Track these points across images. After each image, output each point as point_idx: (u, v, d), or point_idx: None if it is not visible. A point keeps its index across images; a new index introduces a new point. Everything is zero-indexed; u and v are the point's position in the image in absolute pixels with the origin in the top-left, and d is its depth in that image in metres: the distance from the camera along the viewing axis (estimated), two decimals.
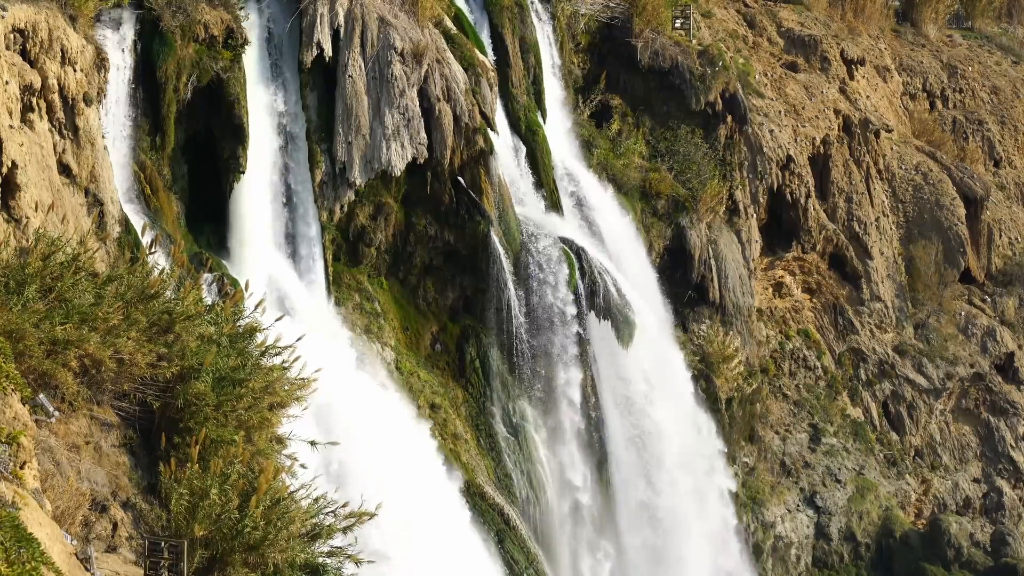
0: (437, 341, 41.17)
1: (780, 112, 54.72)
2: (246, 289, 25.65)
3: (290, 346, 21.80)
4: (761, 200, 53.32)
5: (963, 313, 59.40)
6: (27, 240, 24.40)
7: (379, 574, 21.15)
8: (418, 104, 38.88)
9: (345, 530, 19.58)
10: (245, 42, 36.17)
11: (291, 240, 37.71)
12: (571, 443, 42.51)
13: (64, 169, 29.82)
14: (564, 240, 42.37)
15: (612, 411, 43.54)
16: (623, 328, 42.85)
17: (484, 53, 42.88)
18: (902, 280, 58.40)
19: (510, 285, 40.60)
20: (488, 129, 40.58)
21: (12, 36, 28.54)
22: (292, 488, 19.33)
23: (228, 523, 17.88)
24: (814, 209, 55.04)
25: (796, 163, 54.12)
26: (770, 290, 55.00)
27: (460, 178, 40.25)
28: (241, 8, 36.58)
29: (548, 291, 41.26)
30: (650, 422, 44.33)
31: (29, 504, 14.98)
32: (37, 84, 28.86)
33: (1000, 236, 62.76)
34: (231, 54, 35.74)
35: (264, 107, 37.14)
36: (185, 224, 35.46)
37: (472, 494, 38.16)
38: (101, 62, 32.17)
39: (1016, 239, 63.41)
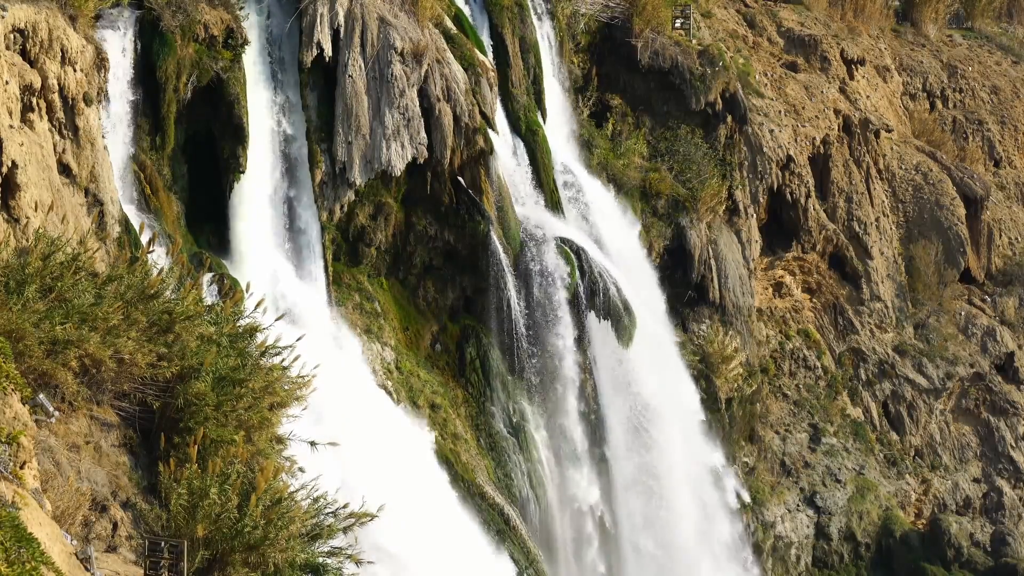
0: (437, 341, 41.17)
1: (780, 112, 54.72)
2: (246, 289, 25.65)
3: (290, 346, 21.81)
4: (761, 200, 53.31)
5: (963, 313, 59.40)
6: (27, 240, 24.41)
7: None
8: (418, 104, 38.88)
9: (345, 530, 19.60)
10: (245, 42, 36.16)
11: (291, 240, 37.72)
12: (571, 442, 42.51)
13: (64, 169, 29.81)
14: (564, 240, 42.36)
15: (612, 411, 43.53)
16: (623, 328, 42.85)
17: (484, 53, 42.87)
18: (902, 280, 58.40)
19: (510, 285, 40.60)
20: (488, 129, 40.58)
21: (12, 36, 28.54)
22: (292, 488, 19.34)
23: (228, 523, 17.89)
24: (814, 209, 55.04)
25: (796, 163, 54.12)
26: (770, 290, 55.00)
27: (460, 178, 40.26)
28: (241, 8, 36.58)
29: (548, 291, 41.26)
30: (650, 422, 44.31)
31: (29, 504, 14.98)
32: (37, 84, 28.85)
33: (1000, 236, 62.76)
34: (231, 54, 35.74)
35: (264, 107, 37.14)
36: (185, 224, 35.46)
37: (472, 494, 38.17)
38: (101, 62, 32.15)
39: (1016, 239, 63.41)
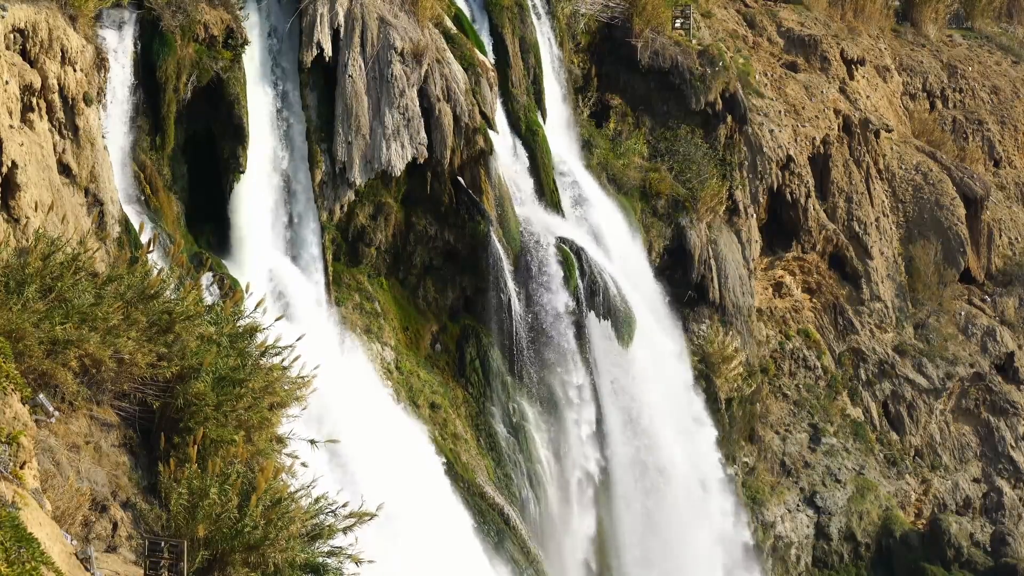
0: (437, 341, 41.17)
1: (780, 112, 54.72)
2: (246, 289, 25.64)
3: (290, 346, 21.80)
4: (761, 200, 53.31)
5: (963, 313, 59.40)
6: (27, 240, 24.41)
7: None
8: (418, 104, 38.88)
9: (345, 530, 19.59)
10: (245, 42, 36.17)
11: (291, 240, 37.71)
12: (571, 443, 42.50)
13: (64, 169, 29.82)
14: (564, 240, 42.36)
15: (612, 411, 43.53)
16: (623, 328, 42.85)
17: (484, 53, 42.87)
18: (902, 280, 58.40)
19: (510, 285, 40.60)
20: (488, 129, 40.58)
21: (12, 36, 28.54)
22: (292, 488, 19.33)
23: (228, 523, 17.89)
24: (814, 209, 55.04)
25: (796, 163, 54.11)
26: (770, 290, 55.00)
27: (460, 178, 40.25)
28: (241, 8, 36.58)
29: (548, 291, 41.25)
30: (650, 421, 44.31)
31: (29, 504, 14.98)
32: (37, 84, 28.86)
33: (1000, 236, 62.76)
34: (231, 54, 35.74)
35: (264, 107, 37.14)
36: (185, 224, 35.46)
37: (473, 494, 38.18)
38: (101, 62, 32.17)
39: (1016, 239, 63.42)
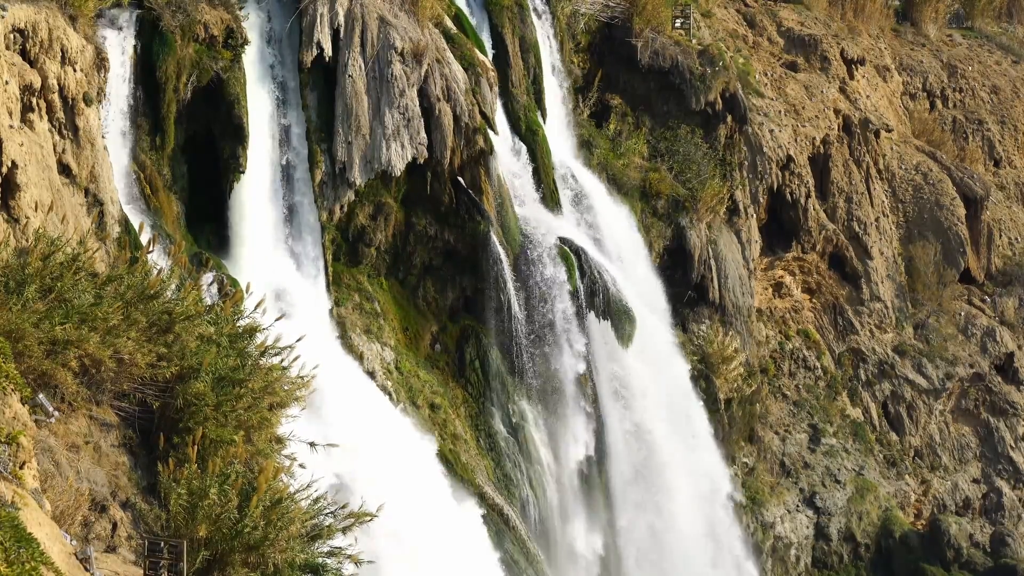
0: (437, 341, 41.17)
1: (780, 112, 54.72)
2: (246, 289, 25.64)
3: (290, 346, 21.81)
4: (761, 200, 53.32)
5: (963, 313, 59.40)
6: (27, 240, 24.42)
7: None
8: (418, 104, 38.88)
9: (345, 530, 19.60)
10: (245, 42, 36.17)
11: (291, 240, 37.71)
12: (571, 443, 42.50)
13: (64, 169, 29.82)
14: (564, 240, 42.36)
15: (612, 411, 43.54)
16: (623, 328, 42.84)
17: (484, 53, 42.87)
18: (902, 280, 58.40)
19: (510, 285, 40.59)
20: (488, 129, 40.58)
21: (12, 36, 28.55)
22: (292, 488, 19.34)
23: (228, 523, 17.89)
24: (814, 209, 55.05)
25: (796, 163, 54.11)
26: (770, 290, 55.00)
27: (460, 178, 40.25)
28: (241, 8, 36.59)
29: (548, 291, 41.25)
30: (649, 421, 44.32)
31: (29, 504, 14.98)
32: (37, 84, 28.86)
33: (1000, 236, 62.76)
34: (231, 54, 35.75)
35: (264, 107, 37.13)
36: (185, 224, 35.46)
37: (472, 494, 38.19)
38: (101, 62, 32.17)
39: (1016, 239, 63.42)
